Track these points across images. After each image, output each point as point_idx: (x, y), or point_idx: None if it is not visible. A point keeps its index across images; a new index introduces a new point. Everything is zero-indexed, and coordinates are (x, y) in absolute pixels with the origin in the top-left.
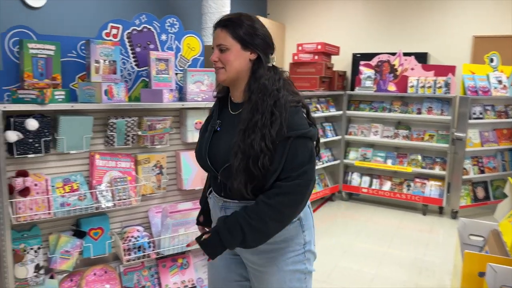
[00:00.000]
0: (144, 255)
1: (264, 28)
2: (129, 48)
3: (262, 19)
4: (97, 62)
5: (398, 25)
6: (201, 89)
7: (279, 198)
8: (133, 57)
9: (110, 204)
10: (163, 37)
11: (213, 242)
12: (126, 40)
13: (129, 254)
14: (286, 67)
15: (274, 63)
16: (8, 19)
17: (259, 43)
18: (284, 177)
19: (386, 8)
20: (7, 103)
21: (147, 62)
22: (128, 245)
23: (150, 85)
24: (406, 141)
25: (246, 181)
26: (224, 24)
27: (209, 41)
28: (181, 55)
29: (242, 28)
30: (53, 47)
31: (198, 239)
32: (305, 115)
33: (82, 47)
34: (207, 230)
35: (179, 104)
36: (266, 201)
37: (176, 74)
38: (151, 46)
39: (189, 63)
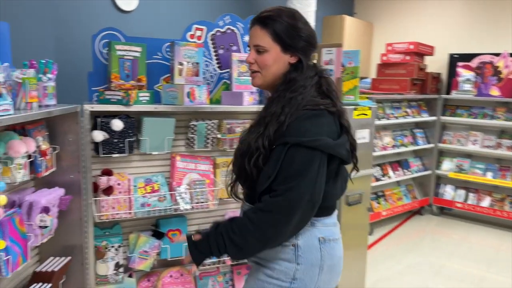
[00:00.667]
0: (219, 260)
1: (308, 26)
2: (212, 50)
3: (348, 18)
4: (180, 64)
5: (504, 22)
6: None
7: (260, 214)
8: (216, 59)
9: (188, 206)
10: (246, 38)
11: (202, 246)
12: (210, 42)
13: None
14: (373, 68)
15: (315, 61)
16: (101, 23)
17: (302, 46)
18: (274, 188)
19: (489, 4)
20: (95, 103)
21: (229, 64)
22: None
23: (231, 88)
24: (510, 152)
25: (240, 180)
26: (263, 21)
27: None
28: None
29: (284, 27)
30: (139, 49)
31: (189, 238)
32: (331, 122)
33: (167, 49)
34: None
35: (259, 107)
36: (249, 216)
37: None
38: (234, 48)
39: None
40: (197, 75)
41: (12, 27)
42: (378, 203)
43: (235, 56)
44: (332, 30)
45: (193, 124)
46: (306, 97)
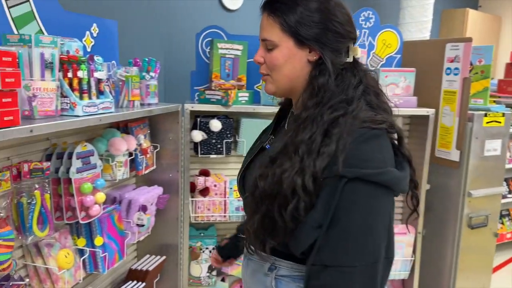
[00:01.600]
0: None
1: (339, 7)
2: None
3: (472, 11)
4: None
5: None
6: (395, 92)
7: None
8: None
9: None
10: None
11: None
12: None
13: None
14: (500, 68)
15: (359, 56)
16: (207, 22)
17: (328, 38)
18: (332, 248)
19: None
20: (197, 103)
21: None
22: None
23: None
24: None
25: (264, 233)
26: (272, 6)
27: (408, 38)
28: (374, 53)
29: (299, 12)
30: (240, 47)
31: None
32: (389, 146)
33: None
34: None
35: None
36: None
37: None
38: None
39: (382, 62)
40: None
41: (121, 26)
42: (502, 223)
43: None
44: (452, 25)
45: None
46: (359, 114)
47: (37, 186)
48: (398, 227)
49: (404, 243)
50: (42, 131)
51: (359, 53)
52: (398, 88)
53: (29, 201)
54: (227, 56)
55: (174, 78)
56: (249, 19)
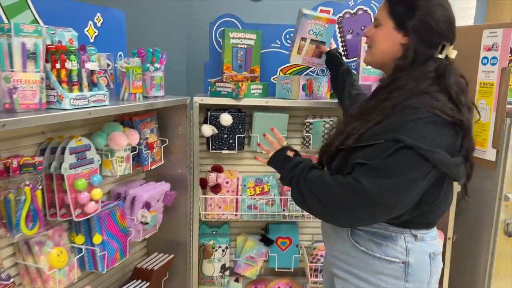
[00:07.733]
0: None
1: (441, 8)
2: (338, 34)
3: None
4: (303, 39)
5: None
6: None
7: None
8: (342, 46)
9: (299, 213)
10: None
11: (281, 162)
12: (336, 26)
13: (316, 276)
14: None
15: (453, 57)
16: (225, 10)
17: (416, 25)
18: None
19: None
20: (208, 95)
21: (358, 52)
22: (315, 265)
23: (358, 79)
24: None
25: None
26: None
27: None
28: None
29: (406, 3)
30: (253, 36)
31: (286, 148)
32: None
33: (287, 36)
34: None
35: None
36: (330, 181)
37: None
38: None
39: None
40: (319, 56)
41: (136, 14)
42: None
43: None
44: (501, 12)
45: (308, 122)
46: (431, 101)
47: (27, 182)
48: None
49: None
50: (16, 125)
51: (454, 55)
52: None
53: (18, 197)
54: (239, 46)
55: (194, 71)
56: (270, 7)
